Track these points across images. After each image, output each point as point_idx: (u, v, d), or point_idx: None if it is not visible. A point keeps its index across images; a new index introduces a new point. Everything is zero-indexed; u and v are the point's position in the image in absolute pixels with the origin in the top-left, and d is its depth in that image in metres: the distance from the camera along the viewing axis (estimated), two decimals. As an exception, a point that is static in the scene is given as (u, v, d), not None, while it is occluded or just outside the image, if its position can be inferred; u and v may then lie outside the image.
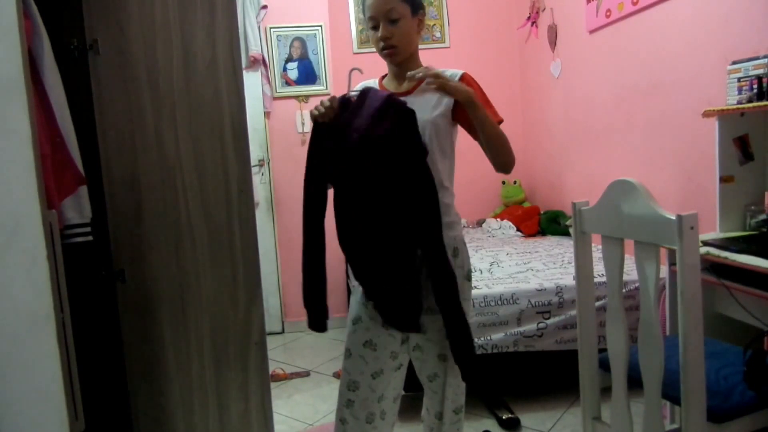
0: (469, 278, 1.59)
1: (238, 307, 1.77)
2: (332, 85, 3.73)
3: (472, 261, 2.94)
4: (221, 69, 1.72)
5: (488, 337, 2.38)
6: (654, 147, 2.73)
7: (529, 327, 2.40)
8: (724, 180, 2.00)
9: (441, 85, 1.44)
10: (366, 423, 1.53)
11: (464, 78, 1.53)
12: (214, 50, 1.70)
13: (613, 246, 1.51)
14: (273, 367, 3.09)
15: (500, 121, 1.51)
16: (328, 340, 3.58)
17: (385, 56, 1.53)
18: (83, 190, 1.52)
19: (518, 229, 3.83)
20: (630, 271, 2.23)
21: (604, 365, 1.64)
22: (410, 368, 2.38)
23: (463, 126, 1.54)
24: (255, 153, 3.69)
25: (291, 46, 3.68)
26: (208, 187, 1.74)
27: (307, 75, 3.72)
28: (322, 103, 1.47)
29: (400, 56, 1.53)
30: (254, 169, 3.70)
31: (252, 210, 1.79)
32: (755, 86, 1.87)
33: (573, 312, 2.34)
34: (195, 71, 1.70)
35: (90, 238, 1.54)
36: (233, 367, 1.78)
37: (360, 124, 1.43)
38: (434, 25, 4.19)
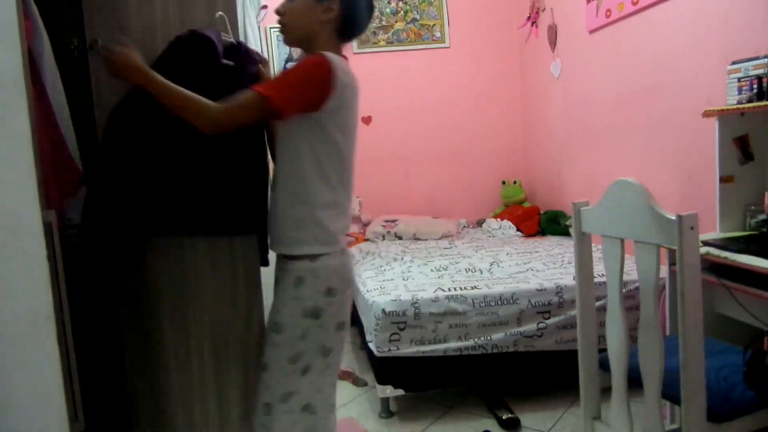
0: (310, 316, 1.44)
1: (238, 307, 1.77)
2: (332, 85, 3.72)
3: (472, 261, 2.97)
4: (221, 69, 1.71)
5: (488, 337, 2.38)
6: (654, 147, 2.73)
7: (529, 327, 2.40)
8: (724, 180, 2.00)
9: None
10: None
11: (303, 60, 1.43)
12: (214, 50, 1.70)
13: (613, 246, 1.51)
14: (273, 367, 3.09)
15: (271, 99, 1.33)
16: (328, 340, 3.58)
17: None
18: (83, 190, 1.52)
19: (518, 229, 3.83)
20: (630, 271, 2.23)
21: (604, 365, 1.64)
22: (408, 367, 2.39)
23: None
24: (255, 153, 3.69)
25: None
26: (208, 187, 1.73)
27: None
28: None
29: (287, 36, 1.48)
30: (254, 169, 3.70)
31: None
32: (755, 86, 1.87)
33: (573, 312, 2.34)
34: (195, 71, 1.70)
35: None
36: (233, 367, 1.78)
37: None
38: (434, 25, 4.19)
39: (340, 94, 1.38)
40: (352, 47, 4.16)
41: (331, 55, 1.38)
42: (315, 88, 1.36)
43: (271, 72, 3.87)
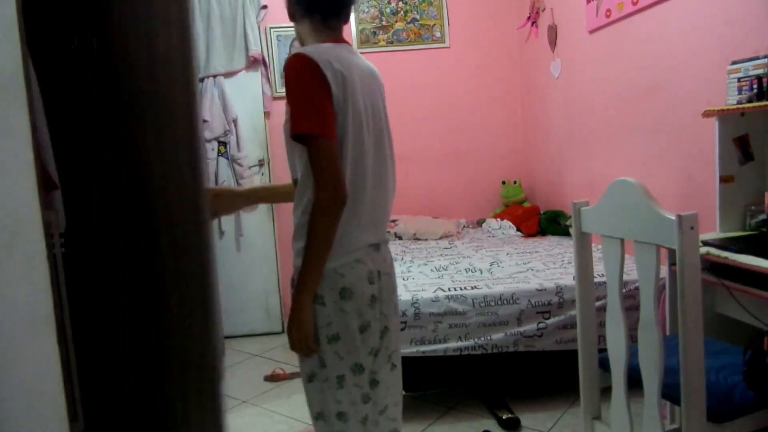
0: (331, 341, 1.36)
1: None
2: (332, 85, 3.72)
3: (472, 261, 2.97)
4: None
5: (488, 337, 2.38)
6: (654, 147, 2.73)
7: (529, 327, 2.40)
8: (724, 180, 2.00)
9: None
10: None
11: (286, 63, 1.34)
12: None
13: (613, 246, 1.51)
14: (273, 367, 3.09)
15: (302, 134, 1.29)
16: (328, 340, 3.58)
17: None
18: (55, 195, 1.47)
19: (518, 229, 3.83)
20: (630, 271, 2.23)
21: (604, 365, 1.64)
22: (408, 367, 2.38)
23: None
24: (255, 153, 3.69)
25: (291, 46, 3.68)
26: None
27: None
28: None
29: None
30: (254, 169, 3.70)
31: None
32: (755, 86, 1.87)
33: (573, 312, 2.34)
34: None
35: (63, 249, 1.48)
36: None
37: None
38: (434, 25, 4.19)
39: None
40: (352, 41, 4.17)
41: (314, 53, 1.31)
42: (319, 97, 1.28)
43: (271, 73, 3.86)
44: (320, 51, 1.32)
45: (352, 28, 4.13)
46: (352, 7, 1.45)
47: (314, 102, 1.27)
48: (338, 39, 1.42)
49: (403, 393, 2.40)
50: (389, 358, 1.51)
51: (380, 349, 1.45)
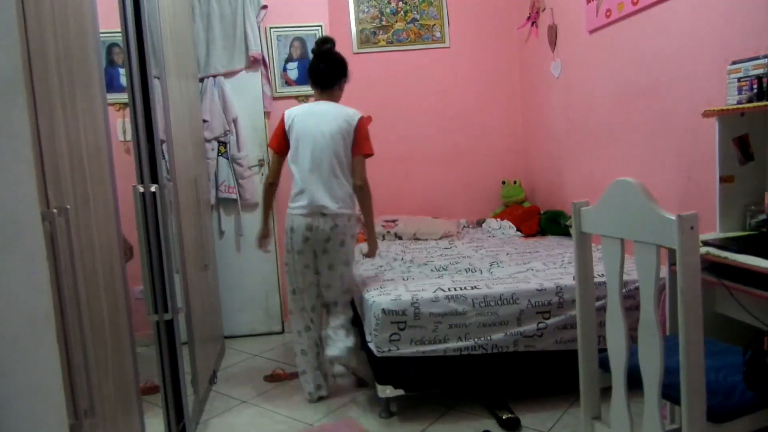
0: (288, 252, 2.71)
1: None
2: (332, 85, 3.73)
3: (472, 261, 2.98)
4: None
5: (488, 337, 2.38)
6: (654, 147, 2.73)
7: (529, 327, 2.39)
8: (724, 180, 2.00)
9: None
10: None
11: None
12: None
13: (613, 246, 1.51)
14: (273, 367, 3.09)
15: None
16: (328, 340, 3.58)
17: None
18: None
19: (518, 229, 3.83)
20: (630, 271, 2.23)
21: (604, 365, 1.64)
22: (408, 367, 2.38)
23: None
24: (255, 153, 3.69)
25: (291, 46, 3.68)
26: None
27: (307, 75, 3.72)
28: None
29: None
30: (254, 169, 3.70)
31: None
32: (755, 86, 1.87)
33: (573, 312, 2.34)
34: None
35: None
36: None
37: None
38: (434, 25, 4.19)
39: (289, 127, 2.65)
40: (351, 47, 4.18)
41: (287, 110, 2.71)
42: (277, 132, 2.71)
43: (271, 73, 3.87)
44: (297, 108, 2.71)
45: (352, 29, 4.13)
46: (326, 80, 2.67)
47: (277, 134, 2.69)
48: (318, 99, 2.70)
49: (403, 393, 2.41)
50: (329, 266, 2.65)
51: (317, 265, 2.66)
